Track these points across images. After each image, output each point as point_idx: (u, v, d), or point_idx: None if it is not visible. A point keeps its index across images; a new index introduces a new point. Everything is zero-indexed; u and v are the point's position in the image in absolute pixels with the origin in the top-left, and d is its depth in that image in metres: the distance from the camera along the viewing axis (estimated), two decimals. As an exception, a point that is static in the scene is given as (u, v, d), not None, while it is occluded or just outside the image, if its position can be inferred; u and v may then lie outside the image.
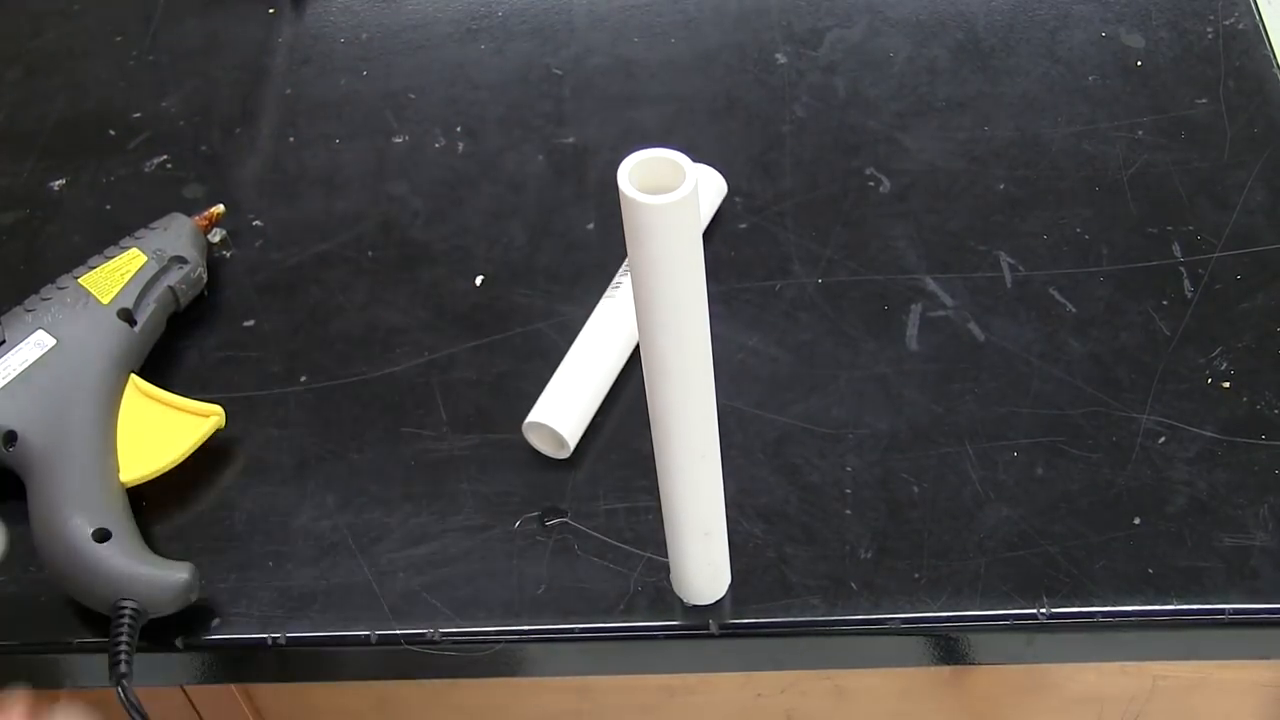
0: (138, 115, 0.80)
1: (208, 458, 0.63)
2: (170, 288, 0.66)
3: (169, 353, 0.67)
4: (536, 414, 0.61)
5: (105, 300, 0.64)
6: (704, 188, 0.69)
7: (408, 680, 0.63)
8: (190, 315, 0.68)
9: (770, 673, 0.63)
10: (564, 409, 0.61)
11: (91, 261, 0.66)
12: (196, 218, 0.70)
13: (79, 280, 0.64)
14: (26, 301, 0.64)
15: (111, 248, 0.66)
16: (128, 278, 0.65)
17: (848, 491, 0.60)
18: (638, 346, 0.65)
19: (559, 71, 0.80)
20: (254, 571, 0.60)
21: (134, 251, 0.66)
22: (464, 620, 0.58)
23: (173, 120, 0.79)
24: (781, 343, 0.65)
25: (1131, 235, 0.68)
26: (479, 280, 0.69)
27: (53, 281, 0.65)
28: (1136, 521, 0.58)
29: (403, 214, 0.73)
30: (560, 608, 0.57)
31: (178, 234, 0.68)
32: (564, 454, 0.62)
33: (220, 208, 0.71)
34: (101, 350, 0.63)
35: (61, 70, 0.83)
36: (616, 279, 0.67)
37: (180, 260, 0.67)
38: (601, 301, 0.66)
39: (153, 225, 0.68)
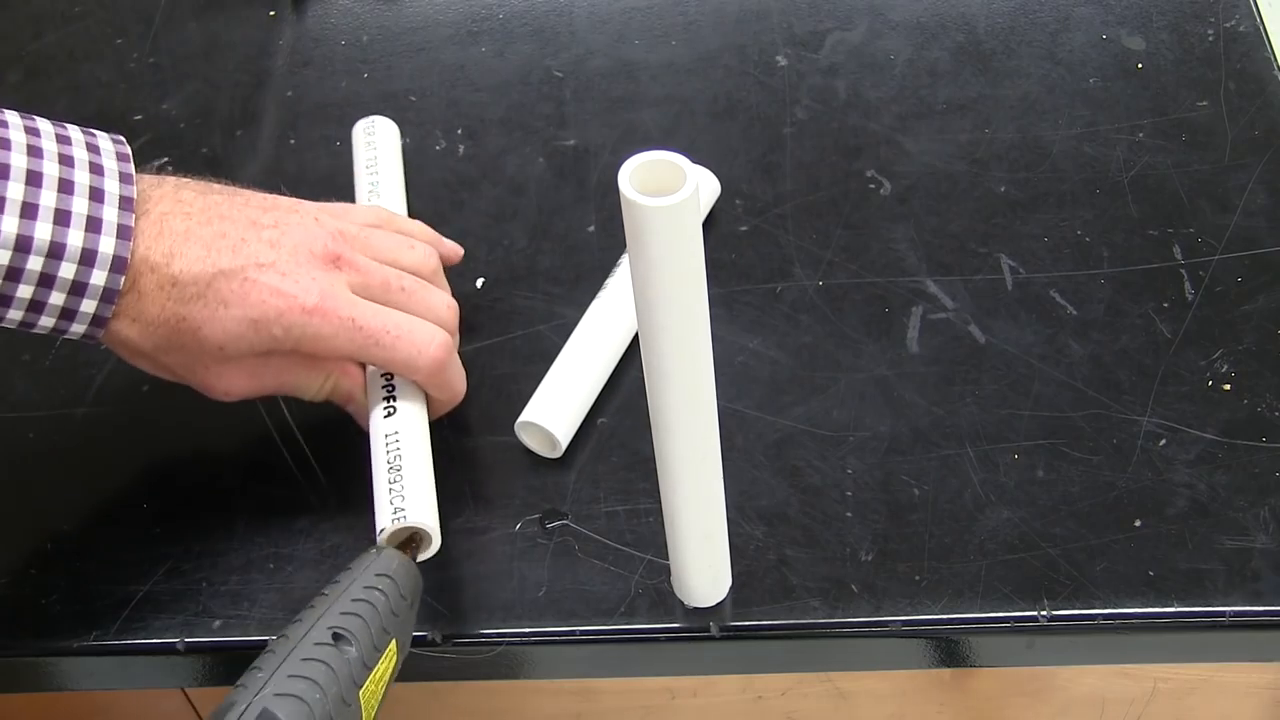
0: (139, 118, 0.80)
1: (209, 459, 0.64)
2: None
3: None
4: (528, 414, 0.61)
5: None
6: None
7: (408, 682, 0.63)
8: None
9: (771, 675, 0.63)
10: (555, 408, 0.62)
11: (369, 655, 0.50)
12: (409, 551, 0.55)
13: (360, 694, 0.49)
14: None
15: (380, 631, 0.50)
16: (382, 693, 0.51)
17: (848, 494, 0.60)
18: (631, 344, 0.65)
19: (560, 74, 0.80)
20: (255, 574, 0.60)
21: (393, 647, 0.51)
22: (465, 623, 0.58)
23: (174, 123, 0.79)
24: (782, 345, 0.65)
25: (1132, 237, 0.68)
26: (480, 283, 0.69)
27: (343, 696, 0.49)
28: (1137, 524, 0.58)
29: (403, 216, 0.73)
30: (561, 610, 0.57)
31: (415, 607, 0.53)
32: (556, 453, 0.62)
33: (435, 538, 0.56)
34: None
35: (62, 72, 0.83)
36: (606, 280, 0.67)
37: (403, 658, 0.53)
38: (594, 301, 0.66)
39: (390, 574, 0.52)
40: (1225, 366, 0.63)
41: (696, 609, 0.57)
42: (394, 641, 0.51)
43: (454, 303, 0.62)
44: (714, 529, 0.54)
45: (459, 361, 0.62)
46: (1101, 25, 0.79)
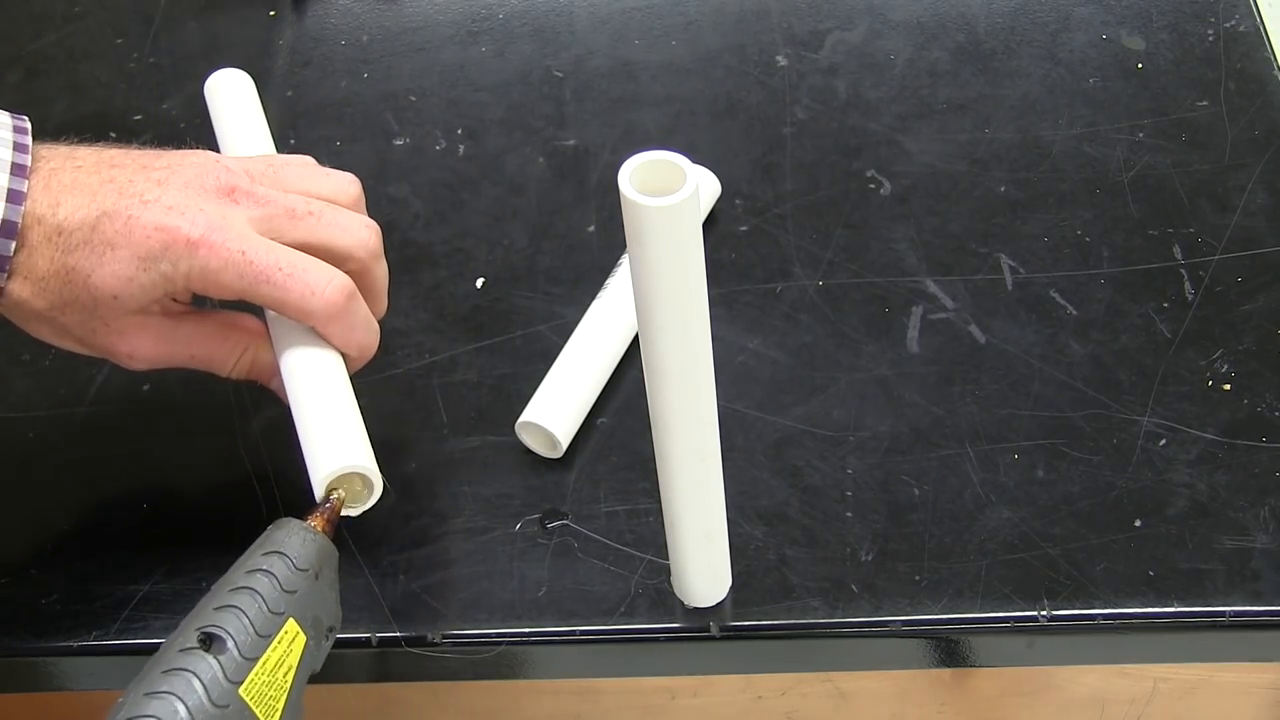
0: (138, 117, 0.80)
1: (209, 459, 0.63)
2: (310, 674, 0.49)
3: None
4: (528, 414, 0.61)
5: None
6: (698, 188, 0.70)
7: (408, 683, 0.63)
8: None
9: (771, 675, 0.63)
10: (555, 408, 0.62)
11: (249, 647, 0.46)
12: (314, 517, 0.51)
13: (241, 692, 0.45)
14: None
15: (266, 616, 0.47)
16: (290, 679, 0.47)
17: (848, 494, 0.60)
18: (631, 345, 0.65)
19: (560, 73, 0.80)
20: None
21: (291, 627, 0.47)
22: (465, 623, 0.58)
23: (174, 122, 0.79)
24: (782, 345, 0.65)
25: (1132, 237, 0.68)
26: (480, 282, 0.69)
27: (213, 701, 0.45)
28: (1137, 524, 0.58)
29: (403, 216, 0.73)
30: (561, 610, 0.57)
31: (327, 577, 0.49)
32: (556, 454, 0.62)
33: (341, 495, 0.53)
34: None
35: (62, 72, 0.83)
36: (606, 280, 0.67)
37: (330, 630, 0.50)
38: (594, 301, 0.66)
39: (280, 549, 0.49)
40: (1225, 366, 0.63)
41: (696, 609, 0.57)
42: (290, 622, 0.47)
43: (374, 224, 0.57)
44: (714, 529, 0.54)
45: (367, 309, 0.56)
46: (1101, 25, 0.79)
